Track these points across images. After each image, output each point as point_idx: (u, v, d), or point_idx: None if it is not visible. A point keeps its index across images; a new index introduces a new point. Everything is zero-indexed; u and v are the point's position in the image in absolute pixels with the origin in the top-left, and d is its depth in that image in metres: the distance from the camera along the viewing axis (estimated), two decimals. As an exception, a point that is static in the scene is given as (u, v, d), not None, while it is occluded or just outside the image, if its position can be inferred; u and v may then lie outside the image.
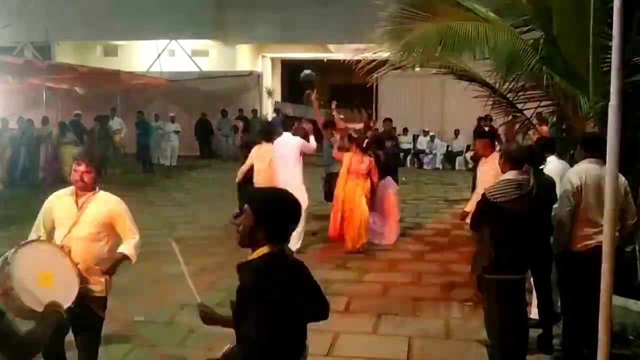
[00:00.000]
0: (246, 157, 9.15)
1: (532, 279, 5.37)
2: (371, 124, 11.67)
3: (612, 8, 3.63)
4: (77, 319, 3.67)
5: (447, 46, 6.26)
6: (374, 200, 8.86)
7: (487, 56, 6.42)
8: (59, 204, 3.95)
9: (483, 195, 4.45)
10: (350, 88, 20.66)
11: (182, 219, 10.92)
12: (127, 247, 3.98)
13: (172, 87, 20.70)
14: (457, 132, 19.40)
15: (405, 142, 19.53)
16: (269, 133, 9.18)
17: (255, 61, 24.77)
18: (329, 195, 9.69)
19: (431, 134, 19.64)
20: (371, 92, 20.66)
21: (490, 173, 5.76)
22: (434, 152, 19.61)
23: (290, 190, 2.76)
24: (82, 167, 3.82)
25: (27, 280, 3.34)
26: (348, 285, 7.10)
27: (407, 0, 6.70)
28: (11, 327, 2.53)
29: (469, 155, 17.32)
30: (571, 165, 5.53)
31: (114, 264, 3.95)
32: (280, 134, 8.80)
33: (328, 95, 18.22)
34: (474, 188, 7.58)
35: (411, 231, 9.91)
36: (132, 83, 19.02)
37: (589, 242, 4.69)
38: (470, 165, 16.11)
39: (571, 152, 6.55)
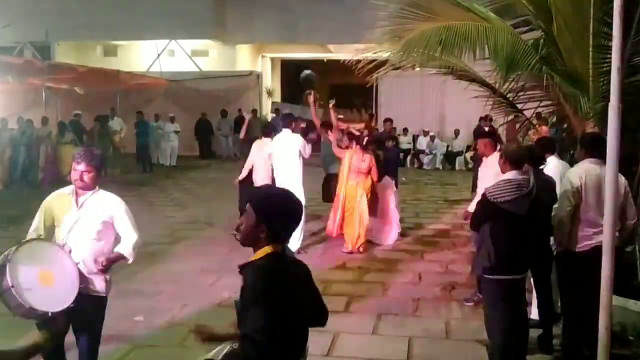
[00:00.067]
0: (246, 156, 9.17)
1: (532, 279, 5.37)
2: (372, 124, 11.65)
3: (612, 8, 3.64)
4: (77, 319, 3.67)
5: (447, 46, 6.27)
6: (374, 203, 8.84)
7: (487, 56, 6.42)
8: (59, 202, 3.94)
9: (483, 195, 4.44)
10: (350, 88, 20.70)
11: (182, 219, 10.92)
12: (125, 247, 3.96)
13: (172, 87, 20.74)
14: (457, 132, 19.37)
15: (405, 142, 19.54)
16: (268, 129, 9.23)
17: (255, 61, 24.78)
18: (327, 196, 9.68)
19: (431, 134, 19.60)
20: (371, 92, 20.68)
21: (491, 173, 5.75)
22: (434, 152, 19.58)
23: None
24: (82, 167, 3.81)
25: (27, 279, 3.34)
26: (348, 285, 7.09)
27: (407, 0, 6.70)
28: None
29: (469, 155, 17.33)
30: (571, 165, 5.53)
31: (108, 263, 3.90)
32: (279, 131, 8.80)
33: (328, 96, 18.21)
34: (474, 188, 7.58)
35: (411, 231, 9.89)
36: (132, 83, 19.04)
37: (589, 242, 4.69)
38: (470, 165, 16.13)
39: (571, 152, 6.57)
